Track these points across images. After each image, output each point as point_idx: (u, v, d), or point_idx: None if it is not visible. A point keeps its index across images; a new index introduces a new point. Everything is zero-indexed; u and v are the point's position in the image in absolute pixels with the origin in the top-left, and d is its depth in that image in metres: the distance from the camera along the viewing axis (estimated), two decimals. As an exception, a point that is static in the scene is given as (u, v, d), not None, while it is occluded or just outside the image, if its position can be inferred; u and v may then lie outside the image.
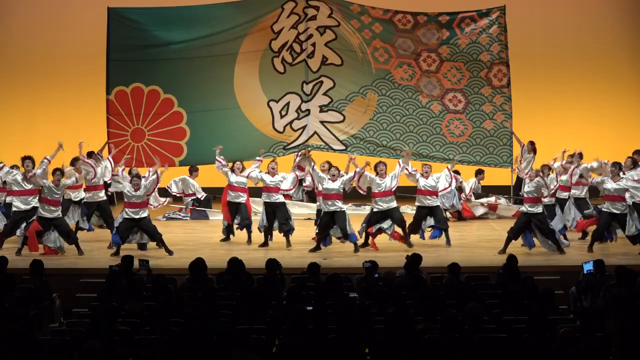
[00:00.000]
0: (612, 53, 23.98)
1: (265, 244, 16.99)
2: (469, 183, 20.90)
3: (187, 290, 12.46)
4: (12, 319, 11.03)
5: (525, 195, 16.23)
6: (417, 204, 17.01)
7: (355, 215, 18.94)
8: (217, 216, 20.62)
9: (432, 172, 17.12)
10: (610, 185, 16.28)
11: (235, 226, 17.53)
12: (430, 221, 16.92)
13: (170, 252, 16.07)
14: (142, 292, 12.28)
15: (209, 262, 13.19)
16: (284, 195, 17.11)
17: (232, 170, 17.41)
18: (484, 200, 20.77)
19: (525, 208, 16.17)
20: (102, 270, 14.02)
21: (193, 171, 20.87)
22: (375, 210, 16.59)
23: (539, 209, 16.10)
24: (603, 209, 16.43)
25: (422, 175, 16.93)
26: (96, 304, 11.90)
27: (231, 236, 17.60)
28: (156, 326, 10.41)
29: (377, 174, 16.64)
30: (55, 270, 14.43)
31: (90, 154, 18.83)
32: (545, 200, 16.54)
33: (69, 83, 23.71)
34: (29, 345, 9.37)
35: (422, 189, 16.87)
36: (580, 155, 17.77)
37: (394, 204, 16.59)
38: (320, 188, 16.87)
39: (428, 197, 16.88)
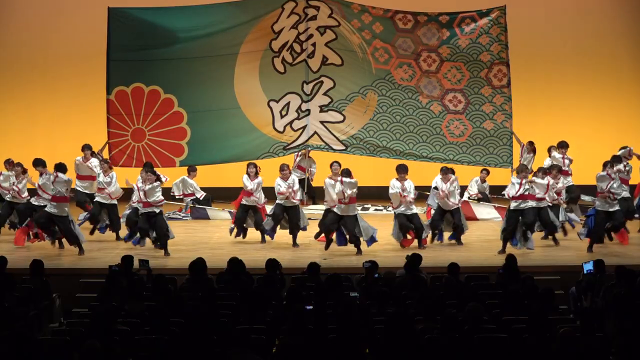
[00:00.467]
0: (613, 51, 23.95)
1: (263, 241, 17.12)
2: (472, 182, 20.83)
3: (187, 290, 12.47)
4: (12, 319, 11.04)
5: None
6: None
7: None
8: (217, 215, 20.64)
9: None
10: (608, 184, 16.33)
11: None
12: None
13: (167, 253, 16.12)
14: (142, 292, 12.29)
15: (209, 262, 13.19)
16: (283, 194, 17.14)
17: (248, 175, 17.49)
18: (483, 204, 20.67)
19: (515, 205, 16.26)
20: (102, 270, 14.04)
21: (191, 171, 20.89)
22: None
23: (530, 204, 16.20)
24: (597, 208, 16.46)
25: (441, 179, 17.29)
26: (96, 304, 11.91)
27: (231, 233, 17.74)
28: (156, 326, 10.41)
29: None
30: (55, 270, 14.45)
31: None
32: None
33: (69, 82, 23.68)
34: (29, 345, 9.38)
35: (441, 193, 17.15)
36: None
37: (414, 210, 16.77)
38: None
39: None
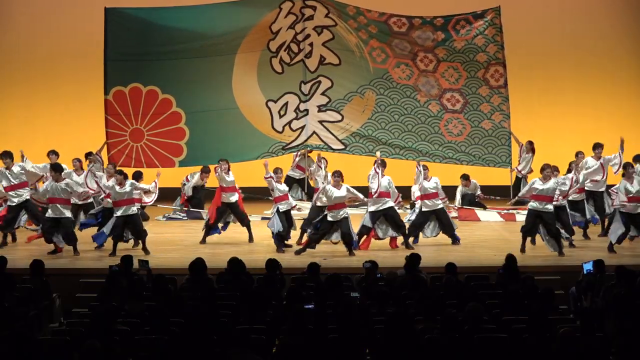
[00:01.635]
0: (610, 49, 23.93)
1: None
2: (457, 192, 20.51)
3: (187, 290, 12.46)
4: (12, 319, 11.03)
5: (536, 193, 16.01)
6: (423, 208, 16.91)
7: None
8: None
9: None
10: (632, 187, 16.19)
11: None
12: (434, 226, 16.93)
13: (147, 252, 15.95)
14: (142, 292, 12.28)
15: (209, 262, 13.18)
16: (283, 195, 17.00)
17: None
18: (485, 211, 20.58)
19: (535, 205, 16.04)
20: (102, 270, 14.05)
21: (204, 172, 20.44)
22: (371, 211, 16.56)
23: (550, 208, 15.94)
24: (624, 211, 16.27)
25: (424, 178, 16.90)
26: (96, 304, 11.90)
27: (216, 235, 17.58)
28: (156, 326, 10.40)
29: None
30: (55, 270, 14.43)
31: (88, 155, 18.85)
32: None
33: (67, 82, 23.66)
34: (29, 345, 9.37)
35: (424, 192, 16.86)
36: (556, 169, 17.22)
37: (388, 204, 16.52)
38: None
39: (427, 200, 16.87)
